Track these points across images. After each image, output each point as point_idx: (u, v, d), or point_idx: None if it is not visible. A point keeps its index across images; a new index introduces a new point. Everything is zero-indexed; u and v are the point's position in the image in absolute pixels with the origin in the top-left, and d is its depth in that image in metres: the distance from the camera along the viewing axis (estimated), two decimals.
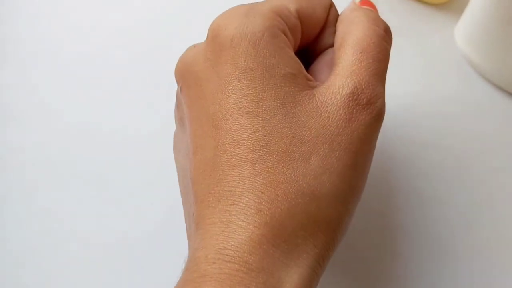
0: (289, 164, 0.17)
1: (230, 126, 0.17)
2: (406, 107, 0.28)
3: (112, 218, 0.25)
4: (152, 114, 0.28)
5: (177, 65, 0.21)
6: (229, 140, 0.17)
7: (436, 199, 0.25)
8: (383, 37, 0.20)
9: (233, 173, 0.17)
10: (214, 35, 0.19)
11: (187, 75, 0.20)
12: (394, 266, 0.23)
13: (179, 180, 0.21)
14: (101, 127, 0.27)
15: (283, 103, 0.18)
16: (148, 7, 0.32)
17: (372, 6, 0.22)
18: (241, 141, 0.17)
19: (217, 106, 0.18)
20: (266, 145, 0.17)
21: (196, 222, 0.17)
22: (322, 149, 0.17)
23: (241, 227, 0.16)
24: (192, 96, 0.19)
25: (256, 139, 0.17)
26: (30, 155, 0.27)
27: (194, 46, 0.20)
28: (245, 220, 0.16)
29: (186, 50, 0.21)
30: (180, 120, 0.21)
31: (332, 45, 0.21)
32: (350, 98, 0.18)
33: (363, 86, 0.18)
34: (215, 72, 0.18)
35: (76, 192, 0.25)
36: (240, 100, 0.18)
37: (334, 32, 0.21)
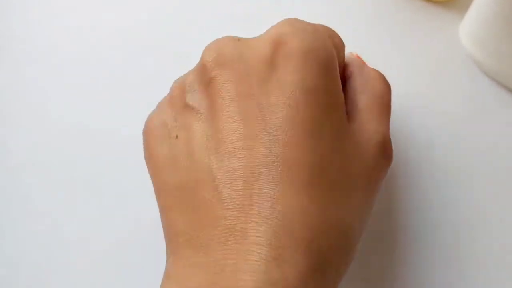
0: (337, 196, 0.17)
1: (289, 140, 0.17)
2: (410, 106, 0.27)
3: (111, 220, 0.25)
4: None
5: (212, 51, 0.20)
6: (286, 154, 0.17)
7: (442, 199, 0.25)
8: (390, 96, 0.22)
9: (284, 191, 0.16)
10: (280, 41, 0.19)
11: (231, 67, 0.19)
12: (397, 267, 0.23)
13: (161, 168, 0.19)
14: (98, 127, 0.27)
15: (338, 131, 0.18)
16: (146, 7, 0.32)
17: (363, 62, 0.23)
18: (299, 160, 0.17)
19: (274, 113, 0.18)
20: (321, 171, 0.17)
21: (230, 231, 0.16)
22: (360, 186, 0.18)
23: (293, 257, 0.15)
24: (237, 91, 0.18)
25: (314, 163, 0.17)
26: (26, 156, 0.26)
27: (239, 39, 0.20)
28: (297, 250, 0.15)
29: (224, 39, 0.20)
30: (193, 108, 0.19)
31: None
32: (381, 146, 0.19)
33: (387, 139, 0.20)
34: (275, 77, 0.18)
35: (73, 194, 0.25)
36: (304, 117, 0.17)
37: (343, 73, 0.22)
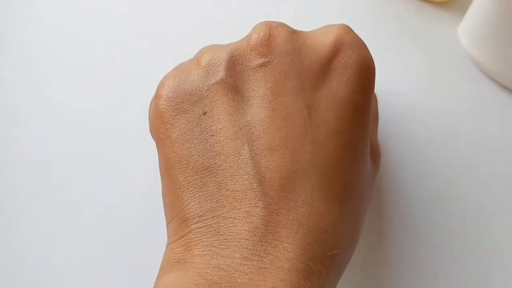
0: (357, 214, 0.18)
1: (333, 152, 0.17)
2: (410, 107, 0.28)
3: (111, 217, 0.25)
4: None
5: (266, 34, 0.19)
6: (325, 163, 0.17)
7: (441, 199, 0.25)
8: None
9: (321, 202, 0.16)
10: (339, 49, 0.19)
11: (286, 59, 0.18)
12: (397, 266, 0.23)
13: (178, 139, 0.18)
14: (99, 125, 0.27)
15: (367, 152, 0.19)
16: (147, 5, 0.32)
17: None
18: (338, 174, 0.17)
19: (320, 119, 0.17)
20: (352, 189, 0.18)
21: (262, 232, 0.15)
22: (365, 205, 0.19)
23: (320, 272, 0.15)
24: (287, 86, 0.18)
25: (349, 179, 0.17)
26: (29, 153, 0.26)
27: (295, 32, 0.19)
28: (323, 264, 0.16)
29: (280, 27, 0.19)
30: (235, 87, 0.18)
31: None
32: (373, 156, 0.21)
33: (377, 146, 0.23)
34: (327, 85, 0.18)
35: (74, 192, 0.25)
36: (348, 132, 0.18)
37: None
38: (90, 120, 0.28)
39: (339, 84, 0.18)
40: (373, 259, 0.23)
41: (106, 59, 0.30)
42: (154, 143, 0.26)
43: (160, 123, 0.18)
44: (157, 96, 0.19)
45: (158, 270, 0.17)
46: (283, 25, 0.20)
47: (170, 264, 0.16)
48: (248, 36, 0.19)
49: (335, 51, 0.19)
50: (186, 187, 0.17)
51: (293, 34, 0.19)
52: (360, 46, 0.19)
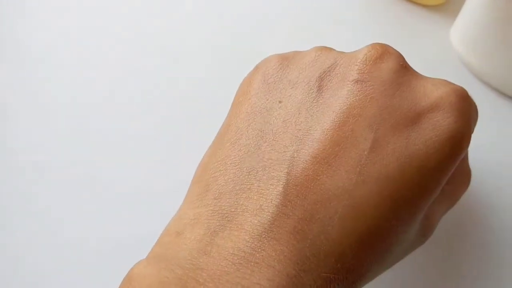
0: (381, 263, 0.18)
1: (374, 198, 0.16)
2: None
3: (110, 220, 0.25)
4: (150, 117, 0.28)
5: (379, 61, 0.19)
6: (364, 206, 0.16)
7: None
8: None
9: (339, 232, 0.16)
10: (438, 107, 0.18)
11: (385, 90, 0.18)
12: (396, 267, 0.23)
13: (248, 117, 0.18)
14: (99, 127, 0.27)
15: (416, 216, 0.18)
16: (151, 8, 0.32)
17: None
18: (364, 218, 0.16)
19: (378, 165, 0.17)
20: (374, 240, 0.16)
21: (290, 230, 0.15)
22: None
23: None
24: (367, 115, 0.17)
25: (375, 229, 0.16)
26: (26, 156, 0.26)
27: (405, 67, 0.19)
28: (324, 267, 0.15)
29: (394, 54, 0.19)
30: (312, 84, 0.18)
31: None
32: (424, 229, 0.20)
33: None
34: (407, 136, 0.17)
35: (73, 194, 0.25)
36: (401, 187, 0.17)
37: None
38: (86, 120, 0.28)
39: (417, 139, 0.17)
40: None
41: (104, 59, 0.30)
42: (152, 145, 0.26)
43: (244, 92, 0.19)
44: (257, 67, 0.20)
45: None
46: (399, 56, 0.19)
47: (169, 235, 0.16)
48: (360, 50, 0.19)
49: (434, 106, 0.18)
50: (227, 158, 0.17)
51: (403, 68, 0.19)
52: (465, 117, 0.18)
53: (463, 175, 0.21)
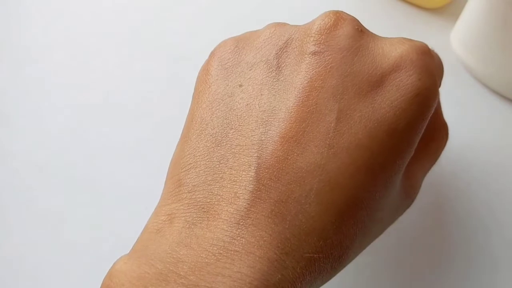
0: (363, 233, 0.17)
1: (348, 169, 0.16)
2: None
3: (112, 221, 0.25)
4: (149, 119, 0.28)
5: (333, 29, 0.18)
6: (339, 177, 0.16)
7: (433, 204, 0.25)
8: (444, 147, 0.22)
9: (317, 209, 0.16)
10: (399, 67, 0.17)
11: (343, 58, 0.17)
12: (393, 271, 0.23)
13: (207, 105, 0.18)
14: (100, 129, 0.27)
15: (395, 177, 0.18)
16: (148, 6, 0.32)
17: None
18: (341, 190, 0.16)
19: (347, 133, 0.16)
20: (356, 210, 0.16)
21: (246, 213, 0.15)
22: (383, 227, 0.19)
23: (293, 268, 0.15)
24: (328, 86, 0.17)
25: (354, 199, 0.16)
26: (24, 159, 0.26)
27: (362, 31, 0.18)
28: (296, 266, 0.15)
29: (348, 20, 0.18)
30: (270, 62, 0.18)
31: None
32: (407, 192, 0.20)
33: (417, 186, 0.21)
34: (372, 99, 0.17)
35: (75, 195, 0.25)
36: (374, 159, 0.16)
37: None
38: (86, 121, 0.28)
39: (383, 102, 0.17)
40: (371, 262, 0.24)
41: (103, 60, 0.30)
42: (152, 146, 0.26)
43: (203, 81, 0.19)
44: (211, 54, 0.20)
45: None
46: (353, 20, 0.19)
47: (149, 232, 0.16)
48: (313, 21, 0.19)
49: (395, 66, 0.17)
50: (195, 150, 0.17)
51: (358, 32, 0.18)
52: (428, 73, 0.18)
53: (439, 130, 0.21)
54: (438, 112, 0.21)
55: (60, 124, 0.28)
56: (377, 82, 0.17)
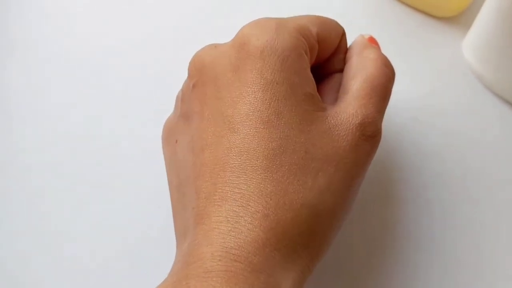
0: (299, 177, 0.18)
1: (248, 132, 0.18)
2: (413, 119, 0.28)
3: (115, 222, 0.25)
4: (156, 119, 0.28)
5: (194, 60, 0.21)
6: (245, 144, 0.18)
7: (441, 209, 0.25)
8: (391, 80, 0.22)
9: (244, 176, 0.18)
10: (242, 42, 0.20)
11: (206, 73, 0.20)
12: (388, 266, 0.23)
13: (168, 169, 0.22)
14: (105, 131, 0.28)
15: (301, 119, 0.19)
16: (153, 14, 0.32)
17: (378, 46, 0.23)
18: (257, 148, 0.18)
19: (236, 110, 0.19)
20: (280, 155, 0.18)
21: (199, 217, 0.18)
22: (329, 168, 0.18)
23: (248, 229, 0.17)
24: (208, 94, 0.20)
25: (272, 149, 0.18)
26: (33, 158, 0.27)
27: (215, 46, 0.21)
28: (251, 222, 0.17)
29: (205, 48, 0.21)
30: (185, 113, 0.21)
31: (339, 70, 0.23)
32: (358, 128, 0.19)
33: (370, 120, 0.20)
34: (237, 78, 0.19)
35: (81, 196, 0.26)
36: (261, 109, 0.18)
37: (343, 59, 0.23)
38: (92, 124, 0.28)
39: (245, 73, 0.19)
40: (371, 266, 0.24)
41: (111, 60, 0.30)
42: (151, 147, 0.27)
43: (163, 147, 0.23)
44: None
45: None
46: (208, 45, 0.21)
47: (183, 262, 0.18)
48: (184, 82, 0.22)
49: (239, 46, 0.20)
50: (174, 207, 0.21)
51: (213, 49, 0.21)
52: (262, 30, 0.20)
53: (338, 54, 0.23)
54: (342, 45, 0.23)
55: (67, 124, 0.28)
56: (235, 64, 0.20)
